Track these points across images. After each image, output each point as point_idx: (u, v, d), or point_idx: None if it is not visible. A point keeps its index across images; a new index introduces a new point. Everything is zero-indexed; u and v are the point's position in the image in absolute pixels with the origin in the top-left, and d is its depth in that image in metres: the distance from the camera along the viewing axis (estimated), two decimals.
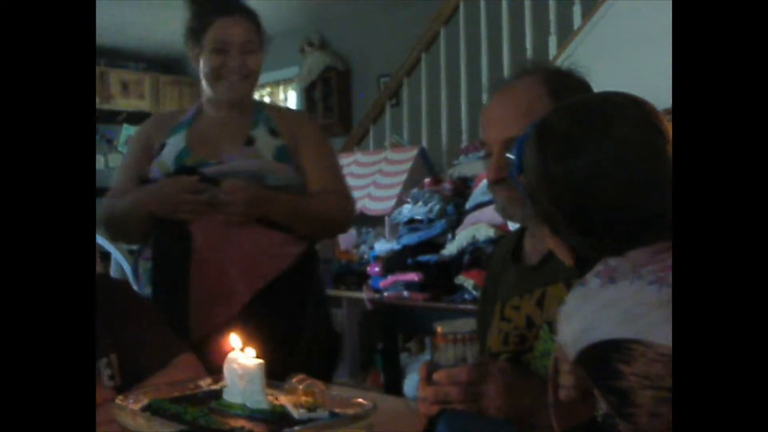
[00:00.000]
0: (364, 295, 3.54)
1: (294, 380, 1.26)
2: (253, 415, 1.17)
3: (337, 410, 1.19)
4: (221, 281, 1.93)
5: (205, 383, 1.36)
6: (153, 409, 1.20)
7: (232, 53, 2.02)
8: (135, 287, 2.04)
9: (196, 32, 2.06)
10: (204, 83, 2.09)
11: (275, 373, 1.24)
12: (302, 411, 1.16)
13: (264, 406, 1.18)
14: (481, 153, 3.27)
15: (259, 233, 1.96)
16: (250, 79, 2.07)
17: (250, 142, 2.03)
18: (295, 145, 2.06)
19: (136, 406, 1.23)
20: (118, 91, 6.63)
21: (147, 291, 2.01)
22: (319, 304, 2.15)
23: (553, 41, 3.90)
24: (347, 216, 2.18)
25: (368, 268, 3.60)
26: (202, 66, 2.06)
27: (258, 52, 2.06)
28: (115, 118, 6.52)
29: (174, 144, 2.05)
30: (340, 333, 2.33)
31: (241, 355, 1.23)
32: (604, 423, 0.89)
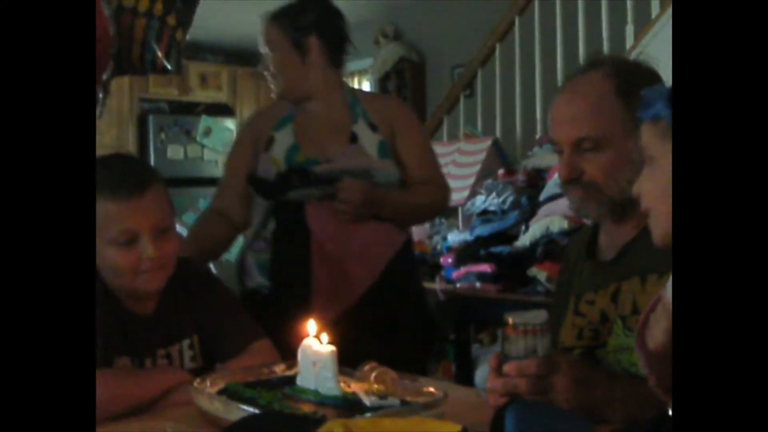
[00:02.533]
0: (437, 285, 3.54)
1: (366, 368, 1.28)
2: (325, 401, 1.19)
3: (408, 398, 1.21)
4: (341, 272, 2.03)
5: (280, 369, 1.39)
6: (229, 393, 1.24)
7: (264, 55, 2.17)
8: (240, 277, 2.15)
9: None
10: None
11: (383, 358, 1.29)
12: (373, 398, 1.18)
13: (336, 392, 1.21)
14: None
15: (371, 224, 2.06)
16: (278, 78, 2.15)
17: (353, 138, 2.11)
18: (392, 137, 2.13)
19: (213, 390, 1.27)
20: (197, 83, 6.77)
21: (255, 283, 2.10)
22: (419, 290, 2.27)
23: (630, 30, 3.83)
24: (444, 205, 2.29)
25: (441, 259, 3.60)
26: None
27: (278, 49, 2.14)
28: (193, 109, 6.66)
29: (282, 138, 2.12)
30: (435, 320, 2.41)
31: (315, 341, 1.26)
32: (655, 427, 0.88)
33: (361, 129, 2.12)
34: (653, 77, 1.40)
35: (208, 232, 2.17)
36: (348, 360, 1.35)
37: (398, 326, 2.10)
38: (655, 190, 1.03)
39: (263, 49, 2.17)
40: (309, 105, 2.16)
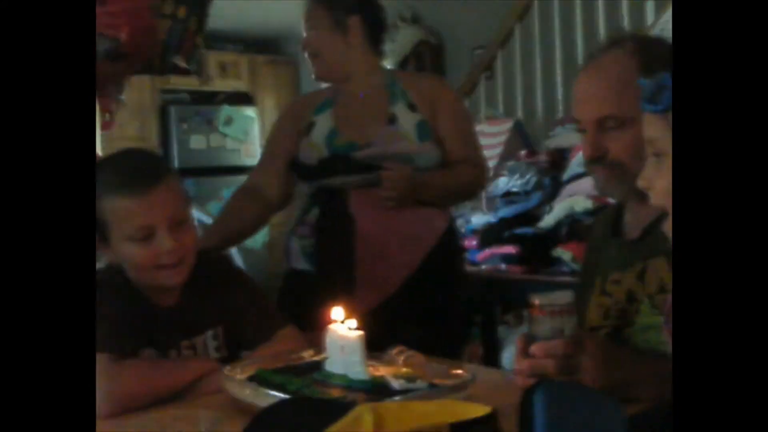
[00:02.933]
0: None
1: (394, 352, 1.29)
2: (354, 385, 1.20)
3: (435, 381, 1.22)
4: (384, 260, 2.05)
5: (308, 355, 1.40)
6: (259, 379, 1.26)
7: (304, 33, 2.18)
8: (285, 262, 2.18)
9: None
10: None
11: (422, 345, 1.30)
12: (401, 382, 1.19)
13: (364, 376, 1.21)
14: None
15: (413, 211, 2.08)
16: (320, 57, 2.16)
17: (392, 120, 2.11)
18: (433, 116, 2.13)
19: (243, 377, 1.29)
20: (217, 73, 6.78)
21: (300, 266, 2.13)
22: (461, 275, 2.31)
23: (650, 7, 3.78)
24: (483, 184, 2.34)
25: (465, 242, 3.60)
26: None
27: (320, 28, 2.15)
28: (214, 99, 6.68)
29: (322, 123, 2.14)
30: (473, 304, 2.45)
31: (341, 326, 1.27)
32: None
33: (400, 110, 2.12)
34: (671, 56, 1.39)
35: (243, 208, 2.18)
36: (387, 346, 1.37)
37: (438, 313, 2.12)
38: (665, 187, 1.00)
39: (304, 28, 2.18)
40: (348, 87, 2.18)
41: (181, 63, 2.28)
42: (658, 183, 1.01)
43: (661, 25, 3.41)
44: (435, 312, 2.11)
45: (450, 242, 2.20)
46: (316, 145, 2.12)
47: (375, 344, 1.31)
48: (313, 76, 2.23)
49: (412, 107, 2.13)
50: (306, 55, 2.19)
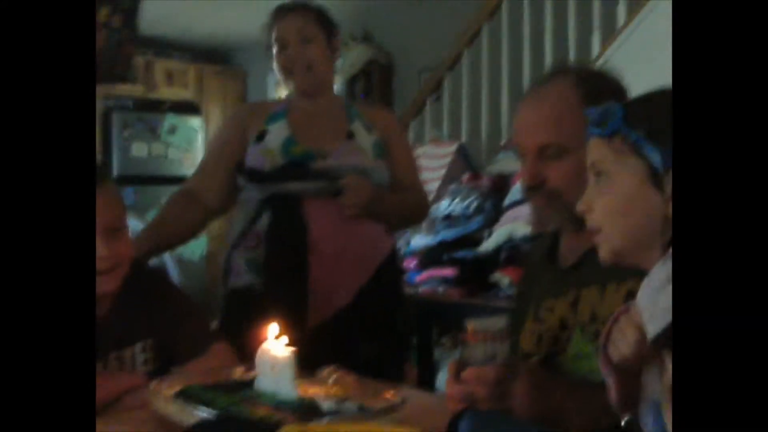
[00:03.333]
0: None
1: (324, 372, 1.27)
2: (282, 404, 1.18)
3: (366, 403, 1.20)
4: (337, 271, 2.03)
5: (238, 372, 1.38)
6: (185, 396, 1.23)
7: (290, 47, 2.13)
8: (225, 277, 2.12)
9: (267, 42, 2.20)
10: (283, 83, 2.22)
11: (373, 358, 1.29)
12: (330, 403, 1.17)
13: (293, 396, 1.20)
14: None
15: (367, 225, 2.09)
16: (314, 69, 2.16)
17: (350, 136, 2.13)
18: (385, 141, 2.18)
19: (170, 392, 1.26)
20: (163, 81, 6.69)
21: (243, 282, 2.07)
22: (404, 296, 2.33)
23: (596, 38, 3.86)
24: (426, 212, 2.42)
25: (404, 263, 3.60)
26: (275, 67, 2.20)
27: (318, 42, 2.15)
28: (159, 107, 6.59)
29: (277, 131, 2.12)
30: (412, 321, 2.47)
31: (273, 345, 1.25)
32: (627, 429, 0.88)
33: (358, 128, 2.15)
34: (618, 88, 1.41)
35: (178, 213, 2.12)
36: (339, 359, 1.35)
37: (388, 327, 2.13)
38: (606, 208, 1.02)
39: (293, 42, 2.14)
40: (305, 102, 2.18)
41: (119, 71, 2.26)
42: (598, 203, 1.02)
43: (607, 57, 3.47)
44: (382, 329, 2.11)
45: (395, 262, 2.23)
46: (270, 151, 2.09)
47: (323, 361, 1.31)
48: (291, 89, 2.20)
49: (368, 128, 2.17)
50: (288, 67, 2.15)
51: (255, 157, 2.10)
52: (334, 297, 2.04)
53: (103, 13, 2.15)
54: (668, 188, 0.94)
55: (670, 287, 0.84)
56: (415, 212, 2.31)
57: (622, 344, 0.90)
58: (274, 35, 2.16)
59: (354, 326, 2.04)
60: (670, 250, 0.90)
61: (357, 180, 2.04)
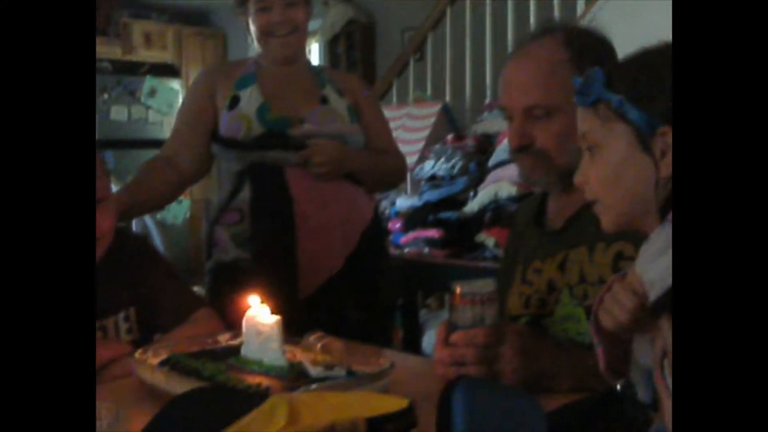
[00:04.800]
0: None
1: (312, 337, 1.26)
2: (270, 371, 1.17)
3: (354, 368, 1.20)
4: (325, 238, 2.02)
5: (224, 338, 1.37)
6: (172, 364, 1.22)
7: (275, 9, 2.06)
8: (209, 251, 2.08)
9: (240, 2, 2.12)
10: (257, 44, 2.15)
11: (364, 323, 1.27)
12: (319, 369, 1.17)
13: (281, 362, 1.19)
14: None
15: (348, 188, 2.07)
16: (298, 34, 2.12)
17: (324, 100, 2.11)
18: (357, 105, 2.16)
19: (155, 361, 1.24)
20: (141, 43, 6.60)
21: (230, 256, 2.04)
22: (390, 259, 2.34)
23: None
24: (404, 175, 2.39)
25: (389, 224, 3.59)
26: (251, 28, 2.12)
27: (302, 5, 2.10)
28: (138, 69, 6.50)
29: (250, 97, 2.07)
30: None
31: (259, 311, 1.23)
32: (623, 393, 0.88)
33: (330, 93, 2.13)
34: (605, 46, 1.39)
35: (155, 179, 2.06)
36: (329, 328, 1.35)
37: (377, 291, 2.13)
38: (600, 178, 1.01)
39: (272, 3, 2.07)
40: (275, 67, 2.14)
41: (99, 24, 2.19)
42: (592, 174, 1.01)
43: (592, 15, 3.44)
44: (370, 293, 2.11)
45: (379, 224, 2.22)
46: (245, 116, 2.04)
47: (318, 328, 1.31)
48: (270, 52, 2.12)
49: (339, 93, 2.14)
50: (270, 30, 2.08)
51: (230, 125, 2.06)
52: (323, 266, 2.03)
53: None
54: (657, 150, 0.93)
55: (670, 251, 0.83)
56: (393, 174, 2.28)
57: (618, 311, 0.90)
58: None
59: (343, 293, 2.03)
60: (670, 214, 0.89)
61: (323, 144, 2.01)
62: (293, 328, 1.30)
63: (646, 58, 1.00)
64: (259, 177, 2.04)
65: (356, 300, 2.05)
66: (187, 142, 2.12)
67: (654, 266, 0.85)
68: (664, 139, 0.92)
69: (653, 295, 0.83)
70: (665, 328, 0.81)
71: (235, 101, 2.07)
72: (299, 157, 2.00)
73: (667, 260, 0.82)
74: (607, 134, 0.98)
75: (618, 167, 0.97)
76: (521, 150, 1.37)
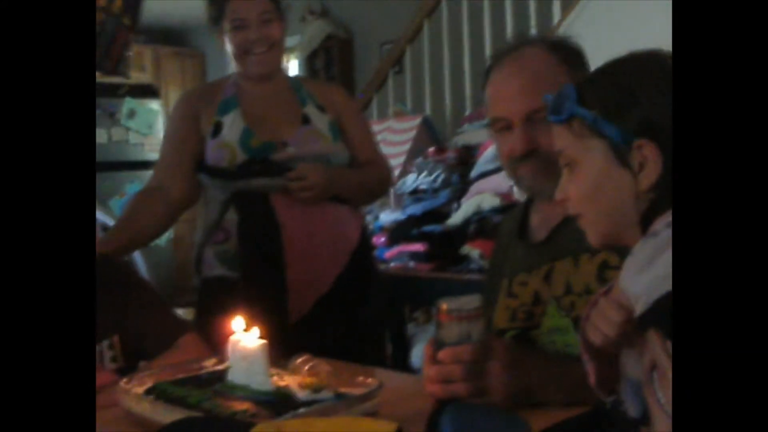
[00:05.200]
0: None
1: (298, 361, 1.25)
2: (257, 396, 1.16)
3: (342, 390, 1.18)
4: (313, 261, 2.01)
5: (210, 364, 1.35)
6: (157, 393, 1.20)
7: (252, 27, 2.04)
8: (198, 268, 2.08)
9: (215, 17, 2.09)
10: (234, 62, 2.12)
11: (354, 343, 1.25)
12: (306, 392, 1.15)
13: (268, 387, 1.17)
14: (485, 120, 3.23)
15: (333, 208, 2.06)
16: (275, 50, 2.09)
17: (305, 120, 2.08)
18: (339, 119, 2.14)
19: (140, 389, 1.23)
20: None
21: (219, 272, 2.04)
22: (378, 274, 2.31)
23: (557, 6, 3.84)
24: (389, 184, 2.39)
25: (373, 239, 3.59)
26: (227, 47, 2.10)
27: (277, 21, 2.08)
28: (116, 91, 6.47)
29: (232, 123, 2.05)
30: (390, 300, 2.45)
31: (244, 336, 1.22)
32: (613, 410, 0.88)
33: (311, 111, 2.10)
34: (581, 56, 1.40)
35: (146, 210, 2.06)
36: (323, 348, 1.35)
37: (367, 309, 2.11)
38: (580, 194, 1.00)
39: (247, 20, 2.04)
40: (255, 86, 2.12)
41: (110, 62, 2.16)
42: (572, 191, 1.01)
43: (567, 24, 3.46)
44: (362, 312, 2.09)
45: (366, 242, 2.20)
46: (229, 145, 2.03)
47: (309, 350, 1.30)
48: (246, 70, 2.10)
49: (321, 109, 2.12)
50: (246, 47, 2.06)
51: (214, 153, 2.04)
52: (313, 289, 2.02)
53: None
54: (635, 163, 0.93)
55: (654, 265, 0.82)
56: (379, 185, 2.26)
57: (605, 326, 0.89)
58: (229, 13, 2.05)
59: (334, 314, 2.02)
60: (653, 227, 0.89)
61: (307, 167, 2.00)
62: (284, 351, 1.29)
63: (615, 69, 1.00)
64: (245, 205, 2.03)
65: (347, 320, 2.03)
66: (174, 171, 2.10)
67: (638, 280, 0.84)
68: (641, 152, 0.92)
69: (639, 309, 0.83)
70: (652, 341, 0.81)
71: (218, 128, 2.06)
72: (284, 181, 1.99)
73: (651, 274, 0.82)
74: (583, 150, 0.98)
75: (596, 183, 0.97)
76: (526, 156, 1.36)
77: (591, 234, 1.02)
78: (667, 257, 0.83)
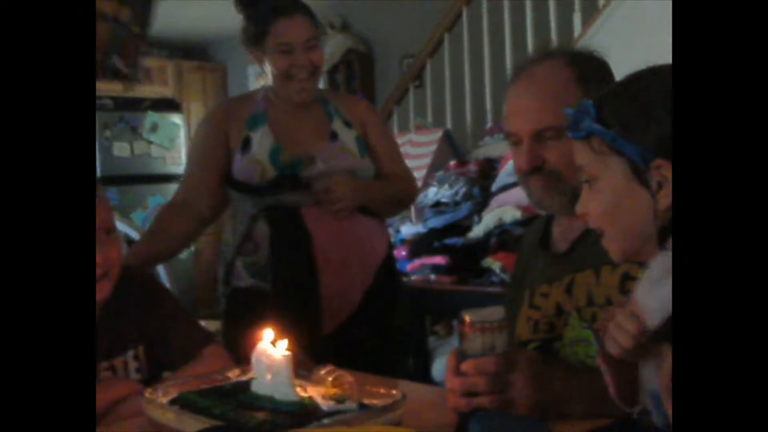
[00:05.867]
0: None
1: (322, 372, 1.25)
2: (281, 407, 1.16)
3: (365, 401, 1.19)
4: (344, 273, 2.03)
5: (234, 374, 1.36)
6: (182, 403, 1.21)
7: (297, 53, 2.04)
8: (227, 279, 2.09)
9: (256, 36, 2.08)
10: (274, 83, 2.11)
11: (385, 355, 1.26)
12: (330, 403, 1.16)
13: (292, 398, 1.18)
14: None
15: (363, 221, 2.08)
16: (316, 75, 2.12)
17: (333, 136, 2.10)
18: (365, 133, 2.16)
19: (165, 399, 1.23)
20: (142, 78, 6.63)
21: (246, 283, 2.06)
22: (402, 288, 2.32)
23: (577, 19, 3.84)
24: (415, 195, 2.43)
25: (395, 252, 3.59)
26: (269, 68, 2.09)
27: (320, 48, 2.11)
28: (139, 105, 6.53)
29: (261, 139, 2.06)
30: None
31: (269, 347, 1.22)
32: (640, 420, 0.87)
33: (338, 126, 2.12)
34: (604, 68, 1.40)
35: (172, 226, 2.07)
36: (352, 361, 1.36)
37: (393, 322, 2.13)
38: (599, 211, 1.01)
39: (294, 46, 2.04)
40: (285, 104, 2.12)
41: (122, 67, 2.18)
42: (592, 207, 1.01)
43: (588, 37, 3.46)
44: (388, 326, 2.11)
45: (391, 257, 2.22)
46: (258, 161, 2.05)
47: (339, 363, 1.29)
48: (302, 98, 2.09)
49: (347, 124, 2.14)
50: (292, 72, 2.05)
51: (243, 169, 2.05)
52: (345, 302, 2.04)
53: (109, 4, 2.06)
54: (654, 182, 0.93)
55: (669, 279, 0.83)
56: (405, 197, 2.29)
57: (622, 338, 0.90)
58: (273, 36, 2.04)
59: (362, 328, 2.04)
60: (669, 242, 0.89)
61: (335, 179, 2.01)
62: (317, 363, 1.30)
63: (633, 84, 1.00)
64: (276, 218, 2.05)
65: (374, 333, 2.05)
66: (201, 184, 2.11)
67: (653, 294, 0.85)
68: (660, 171, 0.93)
69: (653, 323, 0.84)
70: (666, 354, 0.81)
71: (246, 143, 2.07)
72: (313, 195, 2.01)
73: (666, 288, 0.82)
74: (602, 168, 0.98)
75: (616, 200, 0.98)
76: (533, 172, 1.37)
77: (612, 251, 1.03)
78: None
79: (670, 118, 0.91)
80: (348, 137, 2.12)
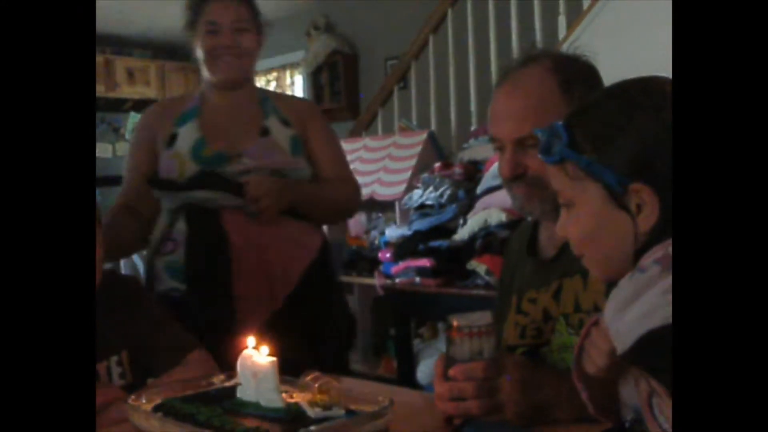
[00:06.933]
0: (376, 281, 3.52)
1: (309, 378, 1.24)
2: (268, 414, 1.15)
3: (353, 407, 1.18)
4: (264, 279, 1.95)
5: (219, 380, 1.34)
6: (166, 409, 1.19)
7: (223, 32, 2.02)
8: (150, 282, 2.02)
9: (192, 21, 2.07)
10: (202, 68, 2.08)
11: (302, 363, 1.23)
12: (317, 409, 1.14)
13: (278, 404, 1.16)
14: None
15: (288, 224, 1.99)
16: (245, 59, 2.06)
17: (264, 132, 2.04)
18: (305, 134, 2.08)
19: (149, 406, 1.22)
20: (124, 79, 6.60)
21: (168, 285, 1.99)
22: (337, 288, 2.22)
23: (562, 22, 3.85)
24: (357, 202, 2.25)
25: (379, 254, 3.58)
26: (198, 51, 2.07)
27: (252, 32, 2.06)
28: (121, 106, 6.50)
29: (187, 134, 2.02)
30: (353, 316, 2.36)
31: (254, 353, 1.21)
32: (631, 430, 0.87)
33: (273, 123, 2.05)
34: (591, 72, 1.39)
35: (118, 227, 1.98)
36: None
37: (322, 328, 2.04)
38: (579, 235, 0.99)
39: (229, 29, 2.02)
40: (220, 96, 2.08)
41: None
42: (571, 231, 1.00)
43: (573, 39, 3.46)
44: (318, 328, 2.02)
45: (325, 257, 2.10)
46: (179, 155, 1.99)
47: None
48: (213, 75, 2.06)
49: (284, 122, 2.07)
50: (217, 53, 2.02)
51: (166, 165, 2.00)
52: (263, 305, 1.95)
53: None
54: (632, 205, 0.92)
55: (640, 301, 0.83)
56: (345, 202, 2.18)
57: (596, 355, 0.90)
58: (204, 17, 2.03)
59: (284, 332, 1.83)
60: (641, 263, 0.89)
61: (256, 180, 1.93)
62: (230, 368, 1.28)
63: (603, 103, 0.99)
64: (194, 216, 1.97)
65: (300, 337, 1.93)
66: (137, 188, 2.06)
67: (620, 318, 0.84)
68: (639, 195, 0.91)
69: (620, 347, 0.83)
70: (641, 373, 0.81)
71: (173, 139, 2.02)
72: (231, 197, 1.93)
73: (635, 311, 0.82)
74: (579, 193, 0.97)
75: (595, 225, 0.96)
76: (515, 179, 1.37)
77: (593, 272, 1.03)
78: (653, 294, 0.83)
79: (642, 137, 0.91)
80: (282, 135, 2.04)
